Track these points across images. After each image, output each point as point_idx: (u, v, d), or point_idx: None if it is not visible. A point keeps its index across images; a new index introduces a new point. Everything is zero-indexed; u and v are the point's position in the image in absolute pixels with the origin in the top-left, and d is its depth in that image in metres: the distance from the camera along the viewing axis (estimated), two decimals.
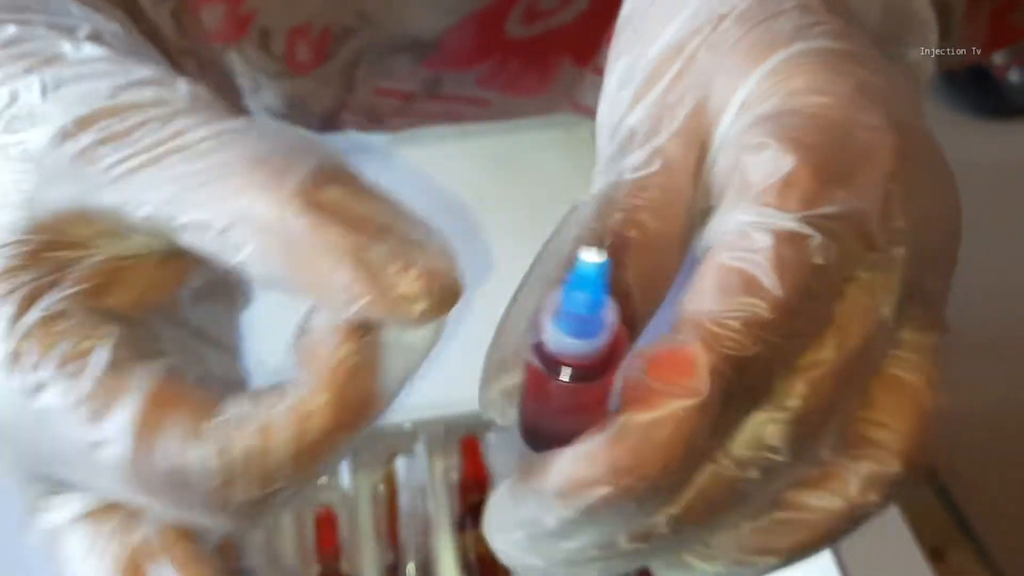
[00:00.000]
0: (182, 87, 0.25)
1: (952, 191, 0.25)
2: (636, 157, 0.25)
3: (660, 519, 0.22)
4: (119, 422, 0.23)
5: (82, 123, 0.25)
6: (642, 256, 0.24)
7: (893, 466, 0.23)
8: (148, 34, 0.44)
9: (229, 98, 0.50)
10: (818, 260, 0.22)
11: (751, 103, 0.25)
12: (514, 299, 0.24)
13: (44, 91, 0.26)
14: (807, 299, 0.21)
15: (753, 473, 0.22)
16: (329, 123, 0.53)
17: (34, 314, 0.23)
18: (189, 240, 0.23)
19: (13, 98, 0.26)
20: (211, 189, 0.23)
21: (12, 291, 0.23)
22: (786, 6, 0.26)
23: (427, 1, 0.47)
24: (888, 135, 0.24)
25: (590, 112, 0.53)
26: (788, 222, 0.22)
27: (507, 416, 0.23)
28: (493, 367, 0.23)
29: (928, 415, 0.24)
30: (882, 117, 0.24)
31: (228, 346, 0.29)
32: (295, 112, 0.52)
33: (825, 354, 0.22)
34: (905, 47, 0.33)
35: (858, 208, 0.22)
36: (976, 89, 1.40)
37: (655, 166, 0.25)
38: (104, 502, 0.25)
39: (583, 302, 0.19)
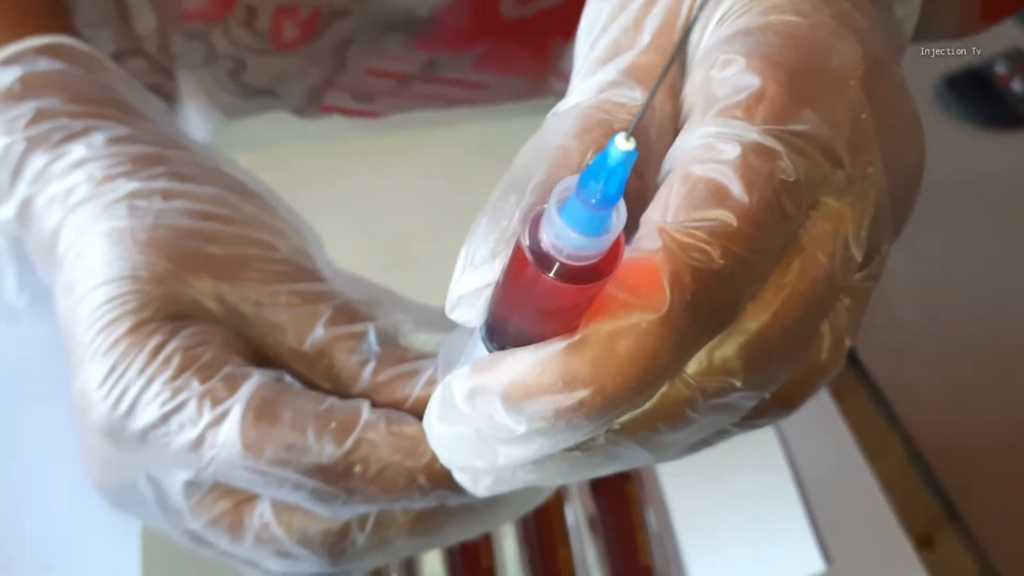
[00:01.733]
0: (283, 245, 0.33)
1: (919, 136, 0.25)
2: (616, 67, 0.25)
3: (599, 432, 0.22)
4: (231, 421, 0.28)
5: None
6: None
7: (773, 405, 0.24)
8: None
9: (165, 89, 0.52)
10: (787, 176, 0.21)
11: (729, 16, 0.24)
12: (495, 198, 0.23)
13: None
14: (775, 214, 0.21)
15: (706, 397, 0.21)
16: (313, 100, 0.53)
17: (176, 342, 0.30)
18: (280, 352, 0.32)
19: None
20: (304, 331, 0.32)
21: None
22: None
23: None
24: (861, 65, 0.23)
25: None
26: (755, 135, 0.21)
27: (473, 314, 0.23)
28: (469, 261, 0.22)
29: (823, 372, 0.24)
30: (856, 46, 0.23)
31: None
32: (280, 88, 0.52)
33: (789, 278, 0.22)
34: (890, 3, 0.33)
35: (826, 130, 0.22)
36: (979, 99, 1.39)
37: (637, 78, 0.24)
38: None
39: (599, 192, 0.18)
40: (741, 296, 0.21)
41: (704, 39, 0.25)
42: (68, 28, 0.39)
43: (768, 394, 0.23)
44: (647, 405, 0.21)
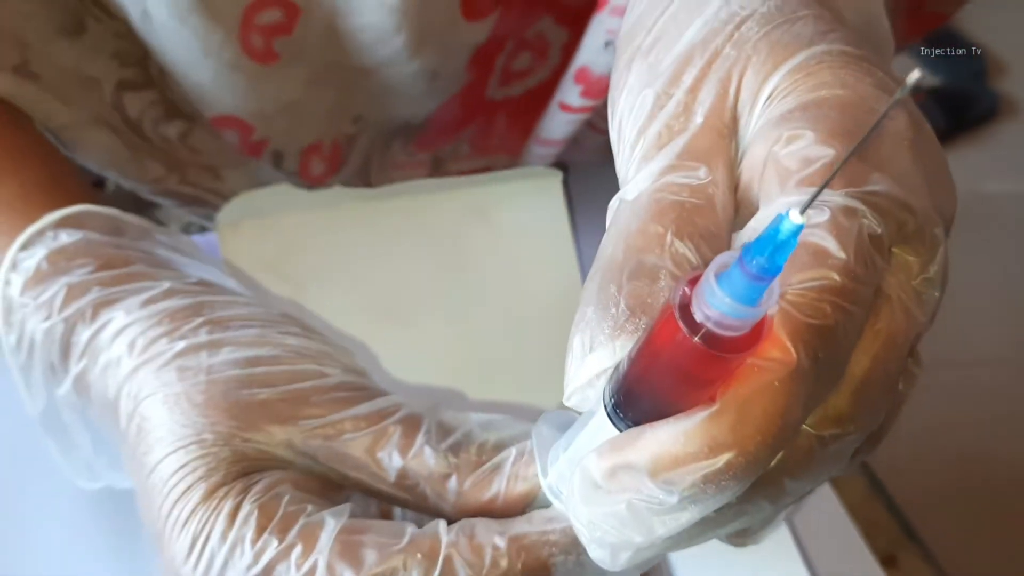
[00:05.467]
0: (333, 369, 0.34)
1: (953, 186, 0.27)
2: (672, 152, 0.26)
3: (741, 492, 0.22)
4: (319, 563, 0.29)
5: (265, 381, 0.32)
6: (699, 249, 0.24)
7: (866, 444, 0.25)
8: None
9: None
10: (872, 231, 0.22)
11: (777, 95, 0.26)
12: (594, 288, 0.24)
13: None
14: (868, 267, 0.22)
15: (824, 445, 0.23)
16: None
17: (249, 506, 0.30)
18: (361, 478, 0.32)
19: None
20: (379, 455, 0.31)
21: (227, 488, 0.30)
22: (802, 13, 0.27)
23: (415, 95, 0.50)
24: (910, 128, 0.25)
25: (552, 144, 0.56)
26: (839, 198, 0.22)
27: (592, 398, 0.23)
28: (588, 348, 0.23)
29: (901, 404, 0.25)
30: (901, 111, 0.25)
31: None
32: None
33: (881, 325, 0.23)
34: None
35: (896, 187, 0.23)
36: None
37: (696, 159, 0.25)
38: None
39: (765, 263, 0.18)
40: (851, 346, 0.22)
41: (755, 117, 0.26)
42: (77, 192, 0.39)
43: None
44: (774, 461, 0.22)
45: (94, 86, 0.46)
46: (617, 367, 0.23)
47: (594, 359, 0.23)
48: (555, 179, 0.55)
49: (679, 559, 0.48)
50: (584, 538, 0.25)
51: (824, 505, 0.52)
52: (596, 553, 0.25)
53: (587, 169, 0.57)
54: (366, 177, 0.55)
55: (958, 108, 1.70)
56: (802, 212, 0.18)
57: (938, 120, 1.66)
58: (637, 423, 0.22)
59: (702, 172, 0.25)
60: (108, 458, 0.38)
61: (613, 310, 0.23)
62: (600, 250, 0.25)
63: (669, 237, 0.24)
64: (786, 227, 0.18)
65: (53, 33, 0.43)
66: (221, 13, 0.42)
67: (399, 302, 0.52)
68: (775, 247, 0.18)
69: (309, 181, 0.52)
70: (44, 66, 0.43)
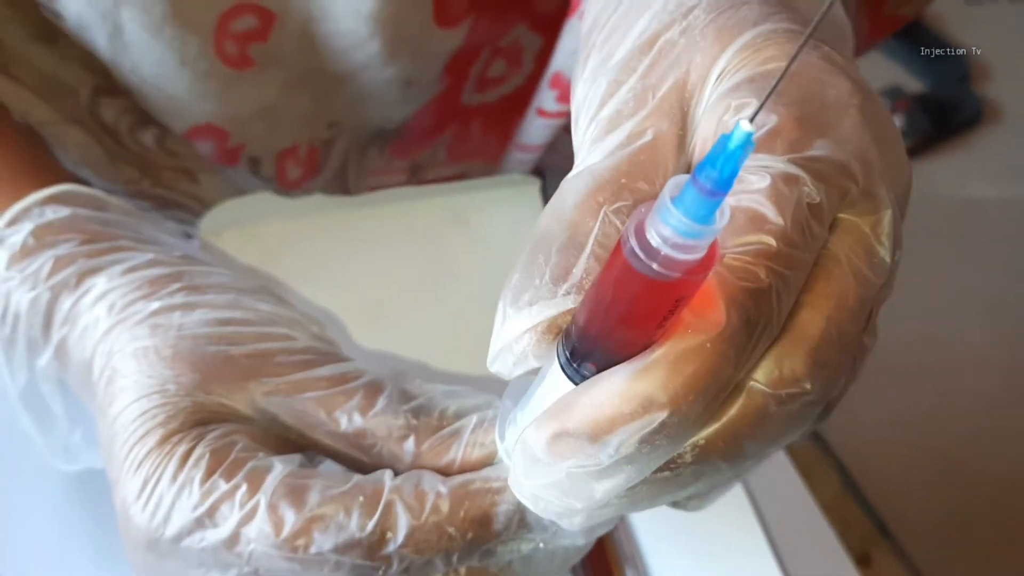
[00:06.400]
0: (302, 335, 0.34)
1: (905, 155, 0.27)
2: (623, 132, 0.26)
3: (686, 449, 0.23)
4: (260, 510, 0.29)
5: (232, 339, 0.33)
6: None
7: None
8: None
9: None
10: (811, 199, 0.23)
11: (727, 74, 0.26)
12: (524, 259, 0.24)
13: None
14: (805, 234, 0.23)
15: (780, 404, 0.23)
16: None
17: (202, 448, 0.30)
18: (319, 437, 0.32)
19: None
20: (338, 413, 0.32)
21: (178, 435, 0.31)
22: None
23: (390, 100, 0.51)
24: (856, 94, 0.26)
25: (531, 150, 0.57)
26: (780, 164, 0.23)
27: (511, 364, 0.24)
28: (507, 314, 0.23)
29: (857, 372, 0.26)
30: (846, 80, 0.26)
31: None
32: None
33: (833, 287, 0.23)
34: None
35: (839, 152, 0.24)
36: None
37: (644, 139, 0.26)
38: None
39: (716, 174, 0.18)
40: (784, 308, 0.23)
41: (705, 97, 0.27)
42: (62, 173, 0.40)
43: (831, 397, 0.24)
44: (727, 419, 0.23)
45: (71, 91, 0.47)
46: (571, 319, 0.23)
47: (514, 322, 0.24)
48: (533, 187, 0.55)
49: (653, 560, 0.49)
50: (535, 510, 0.26)
51: (797, 504, 0.52)
52: (551, 516, 0.26)
53: (564, 174, 0.58)
54: (344, 183, 0.55)
55: (943, 113, 1.71)
56: (751, 121, 0.18)
57: (923, 125, 1.68)
58: (588, 366, 0.23)
59: (652, 153, 0.26)
60: (83, 431, 0.38)
61: (537, 281, 0.24)
62: (537, 223, 0.26)
63: (603, 211, 0.25)
64: (736, 135, 0.18)
65: (29, 38, 0.44)
66: (195, 22, 0.43)
67: (380, 308, 0.53)
68: (726, 158, 0.18)
69: (286, 186, 0.53)
70: (22, 70, 0.44)
